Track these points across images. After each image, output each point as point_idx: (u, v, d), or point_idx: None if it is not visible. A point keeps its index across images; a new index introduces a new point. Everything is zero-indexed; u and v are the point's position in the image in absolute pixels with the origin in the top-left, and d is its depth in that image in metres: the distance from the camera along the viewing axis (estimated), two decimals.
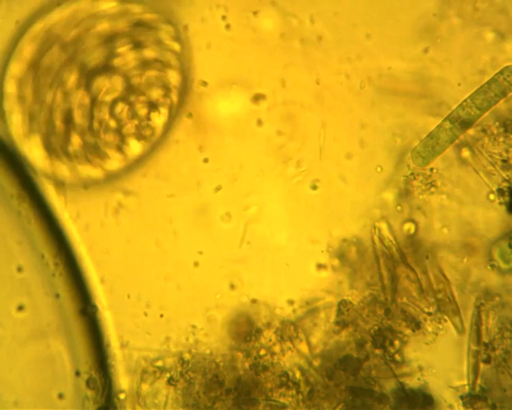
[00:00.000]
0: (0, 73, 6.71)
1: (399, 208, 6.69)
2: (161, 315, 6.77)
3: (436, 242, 6.70)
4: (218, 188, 6.80)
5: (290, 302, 6.74)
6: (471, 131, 6.67)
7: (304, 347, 6.70)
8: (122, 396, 6.76)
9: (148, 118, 6.70)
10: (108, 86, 6.67)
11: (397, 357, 6.65)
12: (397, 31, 6.77)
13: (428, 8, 6.75)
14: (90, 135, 6.69)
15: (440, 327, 6.65)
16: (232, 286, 6.78)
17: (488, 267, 6.68)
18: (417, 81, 6.75)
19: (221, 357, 6.71)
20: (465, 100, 6.64)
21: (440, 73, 6.74)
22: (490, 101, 6.59)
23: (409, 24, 6.76)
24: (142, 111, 6.71)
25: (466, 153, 6.69)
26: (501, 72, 6.61)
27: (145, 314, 6.79)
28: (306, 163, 6.81)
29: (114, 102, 6.69)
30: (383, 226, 6.72)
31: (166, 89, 6.75)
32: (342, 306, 6.67)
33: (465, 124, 6.57)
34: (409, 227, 6.70)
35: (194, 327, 6.75)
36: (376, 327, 6.63)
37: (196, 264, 6.81)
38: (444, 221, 6.71)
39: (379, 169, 6.70)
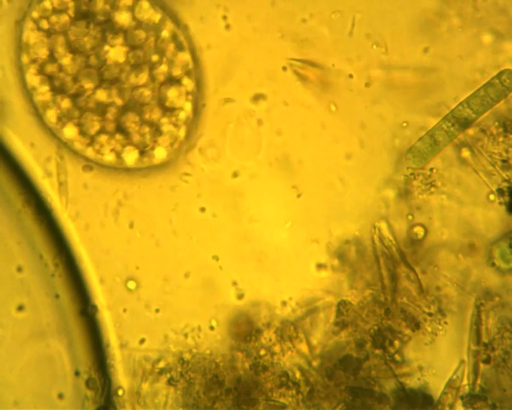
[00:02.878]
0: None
1: (410, 217, 6.70)
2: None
3: (436, 242, 6.70)
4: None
5: (290, 302, 6.74)
6: (470, 131, 6.68)
7: (304, 347, 6.70)
8: (120, 392, 6.76)
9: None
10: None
11: (397, 357, 6.65)
12: (397, 31, 6.77)
13: (428, 8, 6.75)
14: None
15: (440, 327, 6.65)
16: (232, 286, 6.79)
17: (489, 267, 6.69)
18: (417, 80, 6.75)
19: (221, 357, 6.71)
20: (461, 103, 6.64)
21: (439, 73, 6.74)
22: (486, 105, 6.59)
23: (409, 24, 6.76)
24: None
25: (466, 153, 6.69)
26: (497, 76, 6.62)
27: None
28: (307, 163, 6.81)
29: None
30: (383, 226, 6.72)
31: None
32: (342, 306, 6.67)
33: (461, 126, 6.58)
34: (417, 231, 6.69)
35: (194, 327, 6.75)
36: (376, 327, 6.63)
37: (196, 264, 6.81)
38: (444, 221, 6.71)
39: (404, 124, 6.68)
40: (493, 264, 6.67)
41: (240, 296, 6.77)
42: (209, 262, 6.81)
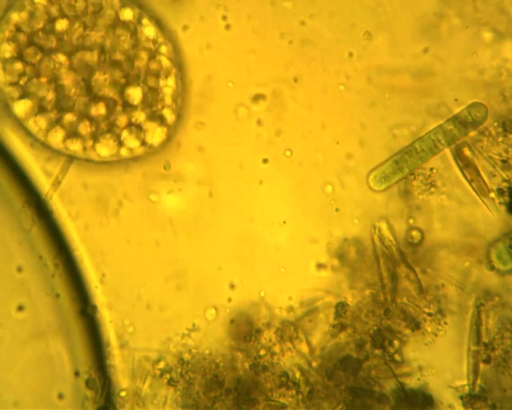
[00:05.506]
0: None
1: (411, 221, 6.71)
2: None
3: (436, 242, 6.70)
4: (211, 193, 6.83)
5: (290, 302, 6.74)
6: (470, 132, 6.68)
7: (303, 347, 6.70)
8: (122, 394, 6.77)
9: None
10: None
11: (396, 357, 6.66)
12: (397, 31, 6.77)
13: (428, 8, 6.75)
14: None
15: (440, 327, 6.65)
16: (232, 286, 6.79)
17: (488, 269, 6.69)
18: (416, 81, 6.76)
19: (221, 357, 6.71)
20: (432, 131, 6.69)
21: (439, 73, 6.75)
22: (453, 137, 6.63)
23: (409, 24, 6.77)
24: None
25: (466, 153, 6.70)
26: (467, 110, 6.64)
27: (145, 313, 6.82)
28: (307, 163, 6.82)
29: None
30: (383, 226, 6.73)
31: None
32: (340, 308, 6.67)
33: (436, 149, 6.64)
34: (415, 235, 6.70)
35: (194, 327, 6.75)
36: (375, 327, 6.63)
37: (196, 264, 6.81)
38: (444, 221, 6.71)
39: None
40: (492, 267, 6.67)
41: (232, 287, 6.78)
42: (209, 263, 6.82)
